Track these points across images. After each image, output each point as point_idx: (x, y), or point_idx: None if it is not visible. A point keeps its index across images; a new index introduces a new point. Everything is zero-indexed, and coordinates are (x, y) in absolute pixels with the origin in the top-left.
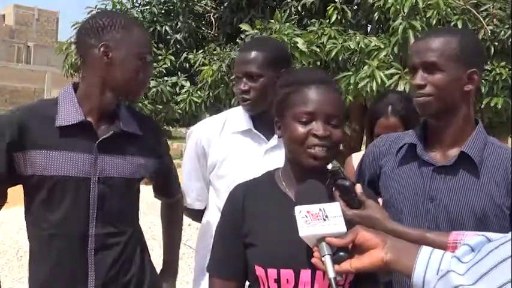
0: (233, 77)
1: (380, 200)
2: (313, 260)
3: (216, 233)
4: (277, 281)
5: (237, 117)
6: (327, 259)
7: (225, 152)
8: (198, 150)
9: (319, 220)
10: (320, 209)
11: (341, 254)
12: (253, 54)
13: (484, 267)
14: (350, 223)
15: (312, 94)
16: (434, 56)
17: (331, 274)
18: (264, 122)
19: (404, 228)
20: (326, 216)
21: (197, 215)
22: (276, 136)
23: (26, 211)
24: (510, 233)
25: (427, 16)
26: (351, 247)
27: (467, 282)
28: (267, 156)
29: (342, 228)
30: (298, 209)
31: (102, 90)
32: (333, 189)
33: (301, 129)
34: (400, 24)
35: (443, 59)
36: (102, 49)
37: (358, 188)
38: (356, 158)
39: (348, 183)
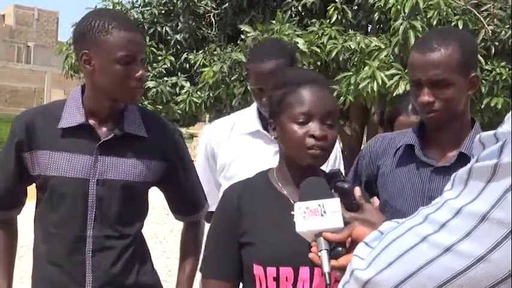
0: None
1: (376, 201)
2: (311, 255)
3: (209, 233)
4: (276, 279)
5: (246, 118)
6: (323, 254)
7: (234, 153)
8: (207, 152)
9: (317, 216)
10: (319, 205)
11: (339, 249)
12: (272, 64)
13: (376, 251)
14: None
15: (307, 94)
16: (440, 73)
17: (326, 269)
18: None
19: None
20: (324, 212)
21: (207, 216)
22: None
23: (35, 209)
24: (411, 216)
25: (428, 17)
26: (350, 242)
27: (362, 266)
28: (277, 157)
29: (339, 223)
30: (297, 205)
31: (97, 95)
32: (333, 191)
33: (298, 130)
34: (401, 24)
35: (449, 73)
36: (83, 57)
37: (357, 190)
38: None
39: (347, 185)
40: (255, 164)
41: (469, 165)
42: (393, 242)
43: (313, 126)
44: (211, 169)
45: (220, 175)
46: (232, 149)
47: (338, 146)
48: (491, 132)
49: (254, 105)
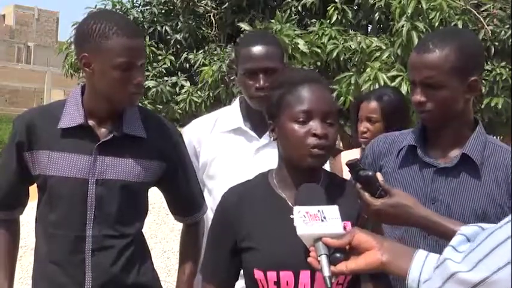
0: (232, 75)
1: None
2: (309, 260)
3: (208, 237)
4: (277, 283)
5: (228, 116)
6: (323, 258)
7: (215, 151)
8: (190, 151)
9: (317, 220)
10: (319, 210)
11: (337, 255)
12: (269, 49)
13: (480, 253)
14: (378, 215)
15: (307, 93)
16: (432, 74)
17: (326, 273)
18: (256, 120)
19: (439, 219)
20: (324, 217)
21: None
22: (267, 134)
23: (36, 209)
24: (505, 220)
25: (430, 18)
26: (348, 249)
27: (464, 269)
28: (258, 155)
29: (339, 229)
30: (297, 209)
31: (96, 97)
32: (354, 181)
33: (300, 130)
34: (403, 26)
35: (443, 75)
36: (83, 60)
37: (380, 176)
38: (345, 156)
39: (370, 173)
40: (235, 163)
41: None
42: (500, 246)
43: (314, 125)
44: (196, 168)
45: (204, 174)
46: (213, 147)
47: None
48: None
49: (237, 102)
